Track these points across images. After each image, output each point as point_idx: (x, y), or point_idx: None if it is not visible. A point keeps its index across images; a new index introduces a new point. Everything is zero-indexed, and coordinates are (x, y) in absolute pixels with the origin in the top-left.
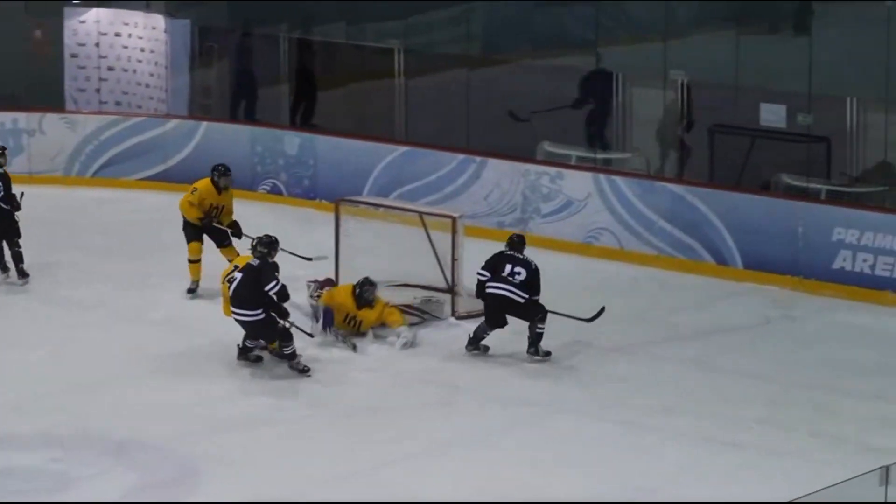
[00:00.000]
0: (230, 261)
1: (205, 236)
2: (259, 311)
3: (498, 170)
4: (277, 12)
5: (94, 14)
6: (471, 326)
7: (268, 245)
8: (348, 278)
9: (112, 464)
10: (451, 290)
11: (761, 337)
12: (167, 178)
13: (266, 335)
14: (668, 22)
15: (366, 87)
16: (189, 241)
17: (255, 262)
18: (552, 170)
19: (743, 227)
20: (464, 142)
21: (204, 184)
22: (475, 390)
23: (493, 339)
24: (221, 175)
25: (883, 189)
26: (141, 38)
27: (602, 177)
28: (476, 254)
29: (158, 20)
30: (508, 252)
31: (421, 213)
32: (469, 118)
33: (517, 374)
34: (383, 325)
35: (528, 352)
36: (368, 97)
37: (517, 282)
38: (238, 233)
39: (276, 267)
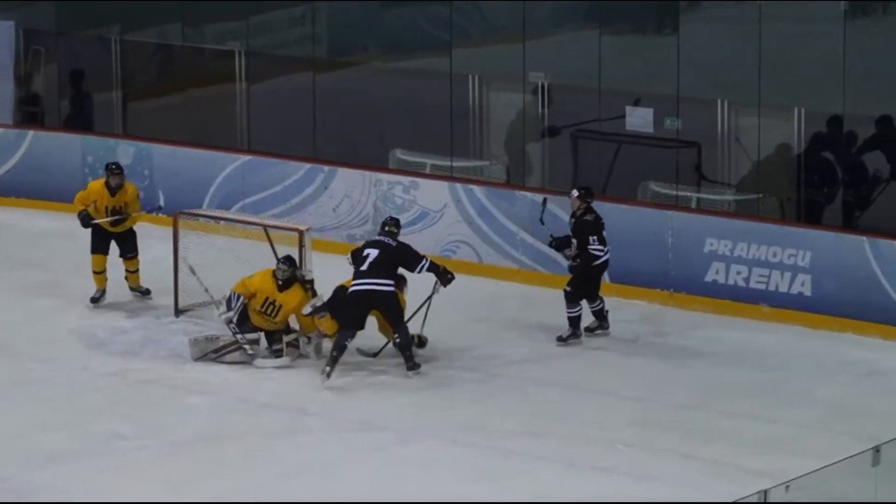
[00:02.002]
0: (129, 271)
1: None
2: (392, 283)
3: (348, 179)
4: (109, 13)
5: None
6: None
7: (397, 225)
8: (190, 298)
9: None
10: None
11: (629, 354)
12: None
13: (395, 308)
14: (527, 21)
15: (205, 92)
16: (92, 251)
17: (391, 241)
18: (405, 179)
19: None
20: (310, 150)
21: (97, 183)
22: (325, 414)
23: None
24: (111, 174)
25: (757, 197)
26: None
27: (459, 186)
28: (325, 269)
29: None
30: (594, 222)
31: (266, 227)
32: (316, 124)
33: (370, 396)
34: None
35: (603, 327)
36: (208, 103)
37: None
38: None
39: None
